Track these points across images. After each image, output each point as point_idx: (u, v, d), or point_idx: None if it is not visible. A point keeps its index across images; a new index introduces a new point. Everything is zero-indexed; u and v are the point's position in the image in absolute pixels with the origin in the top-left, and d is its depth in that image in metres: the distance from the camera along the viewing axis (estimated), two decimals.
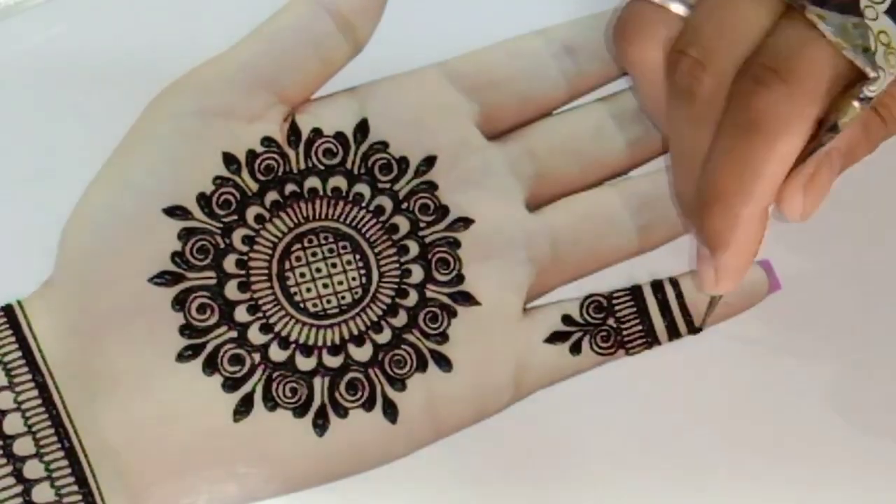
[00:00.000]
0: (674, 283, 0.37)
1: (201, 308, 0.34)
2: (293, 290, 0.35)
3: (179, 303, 0.34)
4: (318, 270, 0.35)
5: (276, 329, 0.34)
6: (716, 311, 0.36)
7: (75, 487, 0.32)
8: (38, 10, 0.37)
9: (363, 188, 0.36)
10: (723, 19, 0.32)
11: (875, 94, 0.31)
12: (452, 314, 0.35)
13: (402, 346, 0.35)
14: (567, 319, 0.36)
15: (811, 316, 0.38)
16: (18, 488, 0.32)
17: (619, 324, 0.36)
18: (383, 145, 0.36)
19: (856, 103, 0.31)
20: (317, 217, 0.36)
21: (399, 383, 0.34)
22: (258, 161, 0.35)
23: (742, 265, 0.34)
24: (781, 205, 0.33)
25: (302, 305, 0.35)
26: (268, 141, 0.35)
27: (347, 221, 0.36)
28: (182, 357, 0.34)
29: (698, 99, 0.33)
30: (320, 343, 0.35)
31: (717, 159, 0.33)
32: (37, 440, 0.33)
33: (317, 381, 0.34)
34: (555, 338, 0.36)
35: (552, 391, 0.36)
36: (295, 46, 0.36)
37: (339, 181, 0.36)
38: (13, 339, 0.33)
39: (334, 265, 0.35)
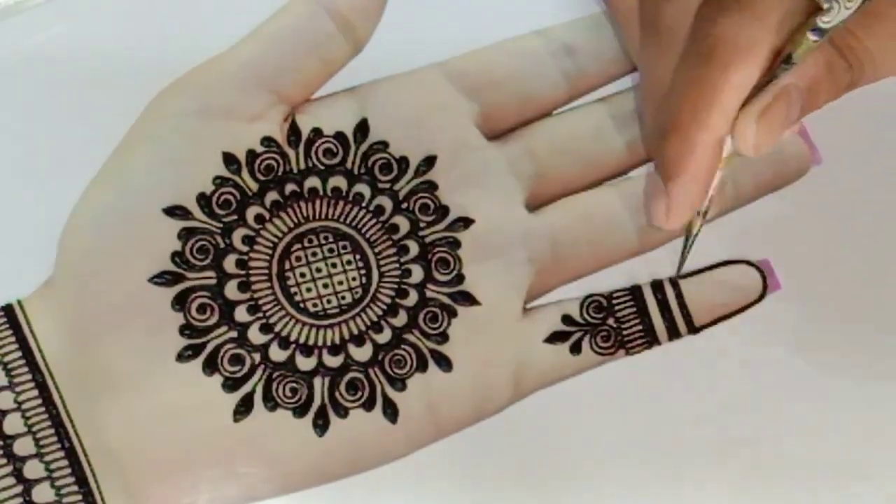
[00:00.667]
0: (674, 283, 0.37)
1: (201, 308, 0.34)
2: (293, 290, 0.35)
3: (179, 303, 0.34)
4: (319, 270, 0.35)
5: (277, 329, 0.34)
6: (715, 313, 0.36)
7: (75, 487, 0.32)
8: (38, 9, 0.37)
9: (363, 188, 0.36)
10: None
11: (829, 25, 0.31)
12: (452, 314, 0.35)
13: (403, 346, 0.35)
14: (567, 319, 0.36)
15: (812, 317, 0.38)
16: (18, 488, 0.32)
17: (619, 324, 0.36)
18: (383, 145, 0.36)
19: (810, 34, 0.31)
20: (317, 217, 0.36)
21: (399, 383, 0.34)
22: (258, 161, 0.35)
23: (692, 196, 0.34)
24: (734, 134, 0.33)
25: (302, 305, 0.35)
26: (268, 141, 0.35)
27: (347, 221, 0.36)
28: (182, 357, 0.33)
29: (661, 28, 0.33)
30: (320, 343, 0.35)
31: (676, 87, 0.33)
32: (37, 440, 0.33)
33: (317, 381, 0.34)
34: (555, 338, 0.36)
35: (552, 391, 0.36)
36: (295, 46, 0.36)
37: (339, 181, 0.36)
38: (13, 339, 0.33)
39: (334, 265, 0.35)
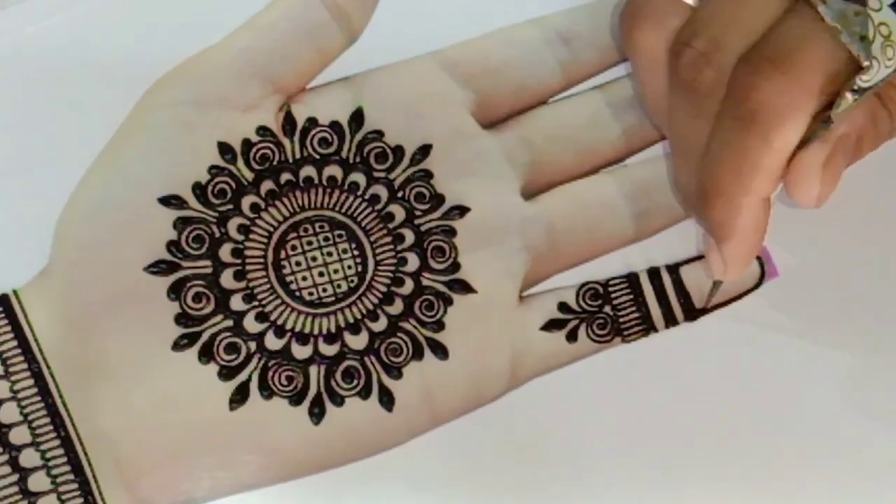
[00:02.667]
0: (670, 270, 0.37)
1: (197, 297, 0.34)
2: (289, 278, 0.35)
3: (175, 291, 0.34)
4: (314, 259, 0.35)
5: (272, 318, 0.34)
6: (714, 298, 0.36)
7: (71, 476, 0.32)
8: (31, 2, 0.38)
9: (358, 177, 0.36)
10: (732, 13, 0.32)
11: (868, 84, 0.31)
12: (448, 302, 0.35)
13: (398, 335, 0.35)
14: (563, 307, 0.36)
15: (809, 304, 0.38)
16: (14, 477, 0.32)
17: (615, 311, 0.36)
18: (378, 134, 0.36)
19: (849, 94, 0.31)
20: (312, 206, 0.36)
21: (395, 371, 0.34)
22: (253, 150, 0.35)
23: (748, 253, 0.34)
24: (795, 192, 0.32)
25: (298, 294, 0.35)
26: (263, 130, 0.36)
27: (343, 210, 0.36)
28: (178, 346, 0.34)
29: (700, 91, 0.32)
30: (316, 331, 0.35)
31: (716, 151, 0.32)
32: (33, 429, 0.33)
33: (313, 370, 0.34)
34: (551, 325, 0.36)
35: (549, 379, 0.36)
36: (290, 36, 0.36)
37: (334, 170, 0.36)
38: (9, 328, 0.33)
39: (330, 254, 0.35)
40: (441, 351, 0.35)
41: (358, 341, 0.35)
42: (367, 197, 0.36)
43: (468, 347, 0.35)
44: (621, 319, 0.36)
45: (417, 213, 0.36)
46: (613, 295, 0.36)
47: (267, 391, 0.34)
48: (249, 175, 0.35)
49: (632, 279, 0.37)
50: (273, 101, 0.36)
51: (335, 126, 0.36)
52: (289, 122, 0.36)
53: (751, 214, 0.33)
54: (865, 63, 0.31)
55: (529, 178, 0.37)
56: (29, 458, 0.32)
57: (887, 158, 0.38)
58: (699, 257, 0.37)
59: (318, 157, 0.36)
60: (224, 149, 0.35)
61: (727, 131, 0.32)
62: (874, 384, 0.38)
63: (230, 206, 0.35)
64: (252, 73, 0.35)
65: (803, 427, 0.37)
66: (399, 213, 0.36)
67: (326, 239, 0.35)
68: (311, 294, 0.35)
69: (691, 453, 0.36)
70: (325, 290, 0.35)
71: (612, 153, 0.38)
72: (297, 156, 0.36)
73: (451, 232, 0.36)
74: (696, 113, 0.33)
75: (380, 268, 0.35)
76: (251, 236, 0.35)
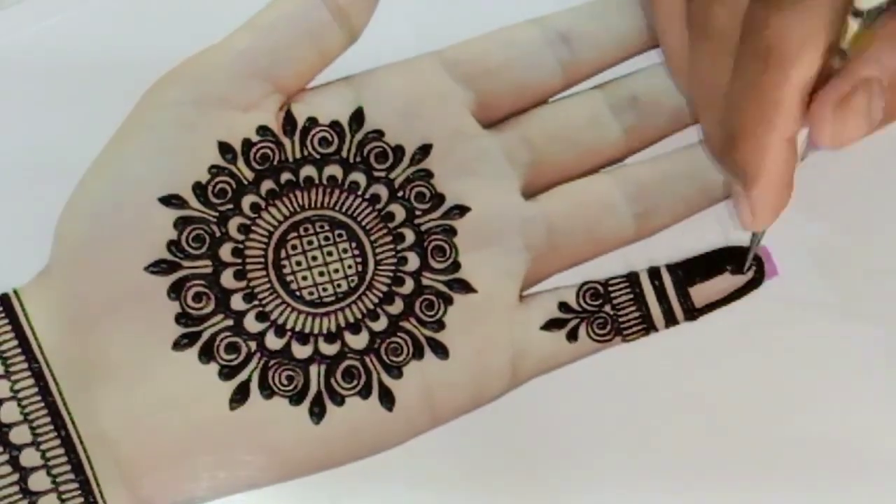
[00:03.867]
0: (671, 269, 0.37)
1: (197, 296, 0.34)
2: (289, 278, 0.35)
3: (175, 291, 0.34)
4: (314, 259, 0.35)
5: (273, 317, 0.34)
6: (713, 299, 0.36)
7: (71, 476, 0.32)
8: (31, 2, 0.38)
9: (359, 177, 0.36)
10: None
11: (868, 6, 0.30)
12: (448, 302, 0.35)
13: (399, 334, 0.35)
14: (564, 306, 0.36)
15: (809, 304, 0.38)
16: (15, 476, 0.32)
17: (615, 311, 0.36)
18: (379, 134, 0.36)
19: (851, 21, 0.31)
20: (312, 205, 0.36)
21: (395, 371, 0.34)
22: (254, 150, 0.35)
23: (776, 199, 0.33)
24: (811, 127, 0.32)
25: (298, 294, 0.35)
26: (263, 130, 0.36)
27: (343, 210, 0.36)
28: (178, 345, 0.34)
29: (716, 33, 0.32)
30: (316, 331, 0.35)
31: (737, 92, 0.32)
32: (33, 429, 0.33)
33: (313, 369, 0.34)
34: (551, 325, 0.36)
35: (549, 378, 0.36)
36: (290, 35, 0.36)
37: (334, 170, 0.36)
38: (9, 328, 0.33)
39: (330, 253, 0.35)
40: (441, 350, 0.35)
41: (358, 341, 0.35)
42: (367, 196, 0.36)
43: (469, 347, 0.35)
44: (621, 319, 0.36)
45: (418, 212, 0.36)
46: (613, 294, 0.36)
47: (267, 391, 0.34)
48: (250, 175, 0.35)
49: (632, 279, 0.37)
50: (273, 101, 0.36)
51: (335, 126, 0.36)
52: (289, 121, 0.36)
53: (777, 156, 0.32)
54: None
55: (530, 177, 0.37)
56: (29, 457, 0.32)
57: (887, 153, 0.38)
58: (700, 257, 0.37)
59: (318, 156, 0.36)
60: (224, 148, 0.35)
61: (746, 70, 0.32)
62: (875, 385, 0.38)
63: (230, 206, 0.35)
64: (252, 73, 0.35)
65: (804, 427, 0.37)
66: (399, 212, 0.36)
67: (327, 238, 0.35)
68: (311, 294, 0.35)
69: (692, 453, 0.36)
70: (325, 289, 0.35)
71: (612, 153, 0.38)
72: (298, 155, 0.36)
73: (452, 231, 0.36)
74: (715, 59, 0.33)
75: (380, 267, 0.35)
76: (251, 236, 0.35)
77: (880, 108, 0.32)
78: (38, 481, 0.32)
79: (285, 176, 0.36)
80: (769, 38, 0.31)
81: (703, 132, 0.35)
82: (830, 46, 0.31)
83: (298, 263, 0.35)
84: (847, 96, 0.31)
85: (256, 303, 0.34)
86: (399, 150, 0.36)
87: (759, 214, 0.34)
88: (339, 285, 0.35)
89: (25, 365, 0.33)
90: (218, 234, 0.35)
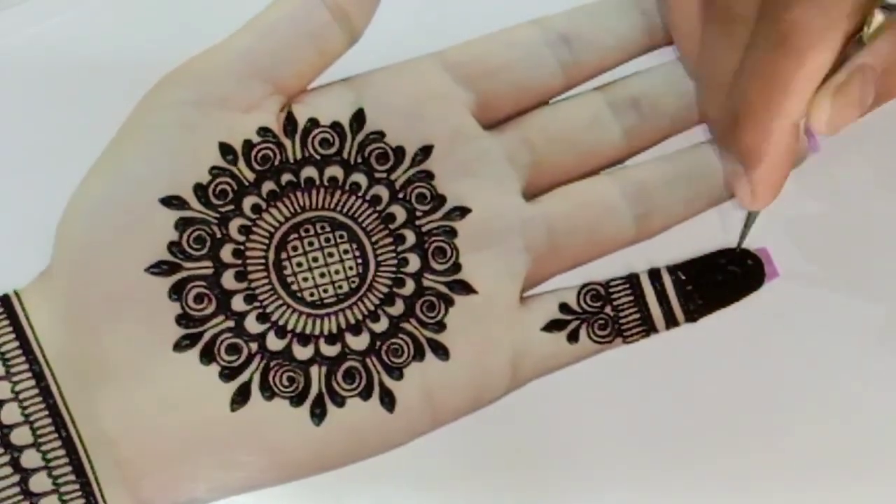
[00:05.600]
0: (671, 271, 0.37)
1: (198, 297, 0.34)
2: (290, 279, 0.35)
3: (176, 292, 0.34)
4: (315, 260, 0.35)
5: (273, 318, 0.34)
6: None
7: (72, 477, 0.32)
8: (32, 3, 0.38)
9: (360, 178, 0.36)
10: None
11: None
12: (449, 303, 0.35)
13: (399, 335, 0.35)
14: (564, 308, 0.36)
15: (810, 305, 0.38)
16: (16, 478, 0.32)
17: (616, 312, 0.36)
18: (379, 135, 0.36)
19: (878, 13, 0.31)
20: (313, 207, 0.36)
21: (396, 372, 0.34)
22: (255, 151, 0.35)
23: (777, 179, 0.34)
24: (809, 113, 0.33)
25: (299, 295, 0.35)
26: (264, 131, 0.35)
27: (344, 211, 0.36)
28: (179, 346, 0.33)
29: (728, 13, 0.32)
30: (317, 332, 0.35)
31: (748, 75, 0.33)
32: (34, 430, 0.32)
33: (314, 370, 0.34)
34: (552, 326, 0.36)
35: (550, 380, 0.36)
36: (291, 36, 0.36)
37: (335, 171, 0.36)
38: (10, 329, 0.33)
39: (331, 254, 0.35)
40: (442, 352, 0.35)
41: (359, 342, 0.35)
42: (368, 198, 0.36)
43: (469, 348, 0.35)
44: (622, 320, 0.36)
45: (418, 213, 0.36)
46: (614, 296, 0.37)
47: (268, 392, 0.34)
48: (251, 176, 0.35)
49: (632, 280, 0.37)
50: (274, 102, 0.36)
51: (336, 127, 0.36)
52: (290, 122, 0.36)
53: (781, 139, 0.33)
54: None
55: (530, 178, 0.37)
56: (30, 458, 0.32)
57: (887, 154, 0.38)
58: (701, 258, 0.37)
59: (319, 157, 0.36)
60: (225, 149, 0.35)
61: (760, 54, 0.32)
62: (876, 386, 0.38)
63: (231, 207, 0.35)
64: (253, 74, 0.35)
65: (804, 427, 0.37)
66: (400, 213, 0.36)
67: (328, 240, 0.35)
68: (312, 295, 0.35)
69: (692, 454, 0.37)
70: (326, 290, 0.35)
71: (613, 154, 0.38)
72: (299, 156, 0.36)
73: (453, 233, 0.36)
74: (728, 42, 0.33)
75: (381, 268, 0.35)
76: (252, 237, 0.35)
77: (871, 94, 0.32)
78: (39, 482, 0.32)
79: (286, 177, 0.35)
80: (789, 23, 0.31)
81: (702, 108, 0.35)
82: (849, 37, 0.31)
83: (299, 264, 0.35)
84: (843, 84, 0.32)
85: (257, 304, 0.34)
86: (400, 152, 0.36)
87: (759, 194, 0.34)
88: (339, 286, 0.35)
89: (26, 366, 0.33)
90: (219, 236, 0.35)
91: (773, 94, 0.32)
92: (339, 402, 0.34)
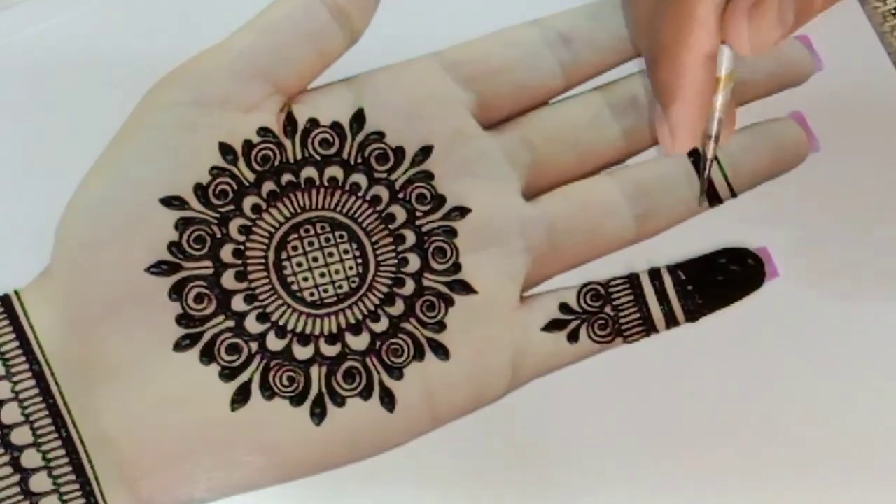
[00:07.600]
0: (671, 270, 0.37)
1: (198, 297, 0.34)
2: (290, 279, 0.35)
3: (176, 292, 0.34)
4: (315, 260, 0.35)
5: (273, 318, 0.34)
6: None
7: (72, 477, 0.32)
8: (32, 3, 0.38)
9: (360, 178, 0.36)
10: None
11: None
12: (449, 303, 0.35)
13: (399, 335, 0.35)
14: (564, 307, 0.36)
15: (810, 305, 0.38)
16: (16, 478, 0.32)
17: (616, 312, 0.36)
18: (379, 135, 0.36)
19: None
20: (313, 207, 0.36)
21: (396, 372, 0.34)
22: (255, 151, 0.35)
23: (693, 118, 0.34)
24: (728, 36, 0.32)
25: (299, 295, 0.35)
26: (264, 131, 0.35)
27: (344, 211, 0.36)
28: (179, 346, 0.34)
29: None
30: (317, 332, 0.35)
31: (658, 13, 0.33)
32: (34, 430, 0.33)
33: (314, 370, 0.34)
34: (552, 326, 0.36)
35: (550, 380, 0.36)
36: (291, 37, 0.36)
37: (335, 171, 0.36)
38: (10, 328, 0.33)
39: (331, 254, 0.35)
40: (442, 351, 0.35)
41: (359, 342, 0.35)
42: (368, 198, 0.36)
43: (469, 348, 0.35)
44: (622, 320, 0.36)
45: (418, 213, 0.36)
46: (614, 295, 0.37)
47: (268, 392, 0.34)
48: (251, 176, 0.35)
49: (633, 280, 0.37)
50: (274, 102, 0.36)
51: (336, 127, 0.36)
52: (290, 122, 0.36)
53: (693, 73, 0.33)
54: None
55: (530, 178, 0.37)
56: (30, 458, 0.32)
57: (886, 154, 0.38)
58: (701, 258, 0.37)
59: (319, 157, 0.36)
60: (225, 149, 0.35)
61: None
62: (875, 386, 0.38)
63: (231, 207, 0.35)
64: (253, 74, 0.35)
65: (804, 428, 0.37)
66: (400, 213, 0.36)
67: (327, 240, 0.35)
68: (312, 295, 0.35)
69: (692, 454, 0.37)
70: (326, 290, 0.35)
71: (612, 154, 0.38)
72: (299, 156, 0.36)
73: (452, 233, 0.36)
74: None
75: (381, 268, 0.35)
76: (252, 237, 0.35)
77: (791, 10, 0.32)
78: (40, 482, 0.32)
79: (286, 177, 0.36)
80: None
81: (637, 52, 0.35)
82: None
83: (299, 264, 0.35)
84: (758, 2, 0.32)
85: (257, 304, 0.34)
86: (400, 152, 0.36)
87: (677, 135, 0.34)
88: (339, 286, 0.35)
89: (26, 366, 0.33)
90: (219, 236, 0.35)
91: (679, 27, 0.32)
92: (339, 401, 0.34)
